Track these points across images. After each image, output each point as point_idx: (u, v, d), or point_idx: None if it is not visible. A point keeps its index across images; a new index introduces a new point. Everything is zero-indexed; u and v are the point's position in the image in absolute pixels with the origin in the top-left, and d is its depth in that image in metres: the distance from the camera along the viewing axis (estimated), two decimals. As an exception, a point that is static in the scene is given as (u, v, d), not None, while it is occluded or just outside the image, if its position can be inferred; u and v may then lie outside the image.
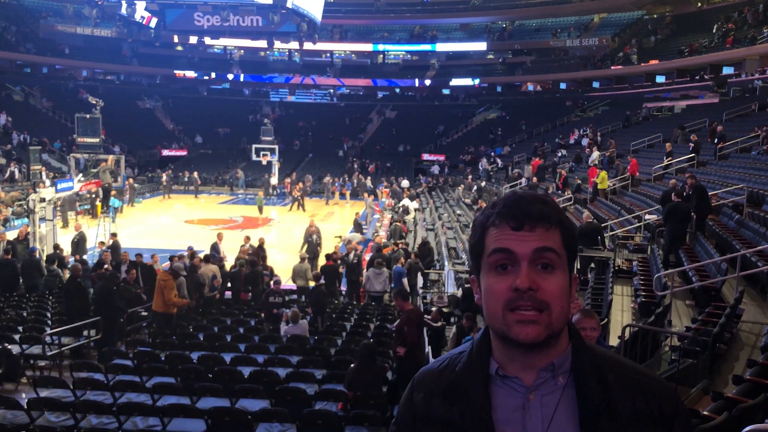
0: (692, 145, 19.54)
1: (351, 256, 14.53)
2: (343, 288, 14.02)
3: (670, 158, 19.14)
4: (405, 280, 12.41)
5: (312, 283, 12.60)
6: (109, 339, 9.44)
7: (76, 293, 9.80)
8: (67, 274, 12.67)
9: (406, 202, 25.97)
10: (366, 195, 30.21)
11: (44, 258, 13.42)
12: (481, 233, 1.13)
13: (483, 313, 1.14)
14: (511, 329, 1.07)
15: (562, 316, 1.09)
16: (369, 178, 35.80)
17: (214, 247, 15.02)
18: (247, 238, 15.66)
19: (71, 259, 14.30)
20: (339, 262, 14.08)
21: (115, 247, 14.74)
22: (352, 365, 6.72)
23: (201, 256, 13.61)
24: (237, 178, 36.50)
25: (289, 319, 9.41)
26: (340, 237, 19.66)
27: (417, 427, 1.18)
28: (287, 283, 13.77)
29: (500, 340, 1.12)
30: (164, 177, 33.19)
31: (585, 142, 27.88)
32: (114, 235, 16.01)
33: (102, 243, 15.79)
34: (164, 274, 10.38)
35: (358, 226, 20.61)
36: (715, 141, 19.22)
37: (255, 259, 13.29)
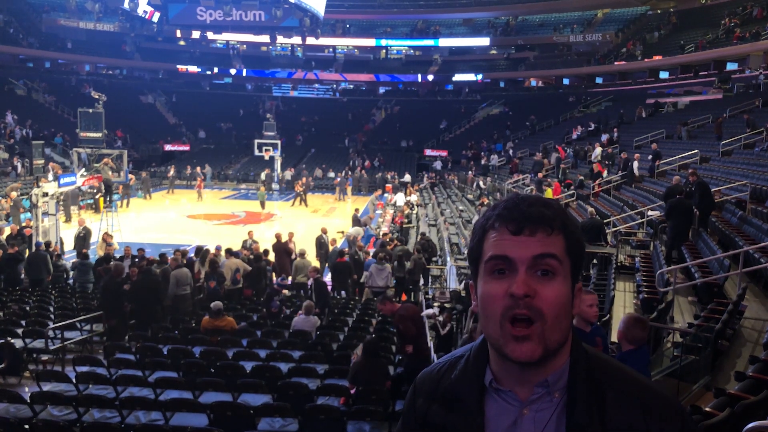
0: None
1: (361, 252, 14.54)
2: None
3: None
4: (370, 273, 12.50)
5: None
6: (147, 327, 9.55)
7: (115, 292, 9.84)
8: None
9: (401, 196, 26.18)
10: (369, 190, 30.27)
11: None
12: (480, 236, 1.08)
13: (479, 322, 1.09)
14: (506, 345, 1.02)
15: (559, 329, 1.02)
16: (365, 172, 35.79)
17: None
18: (251, 233, 15.71)
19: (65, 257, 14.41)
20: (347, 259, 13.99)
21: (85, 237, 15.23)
22: (355, 360, 6.72)
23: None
24: (204, 173, 34.59)
25: (302, 311, 9.42)
26: (343, 232, 19.72)
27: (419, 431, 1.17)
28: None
29: (496, 353, 1.07)
30: (172, 170, 33.24)
31: (604, 138, 27.78)
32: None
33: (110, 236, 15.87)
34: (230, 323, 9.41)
35: (356, 222, 20.55)
36: (650, 157, 19.49)
37: (260, 254, 13.31)
